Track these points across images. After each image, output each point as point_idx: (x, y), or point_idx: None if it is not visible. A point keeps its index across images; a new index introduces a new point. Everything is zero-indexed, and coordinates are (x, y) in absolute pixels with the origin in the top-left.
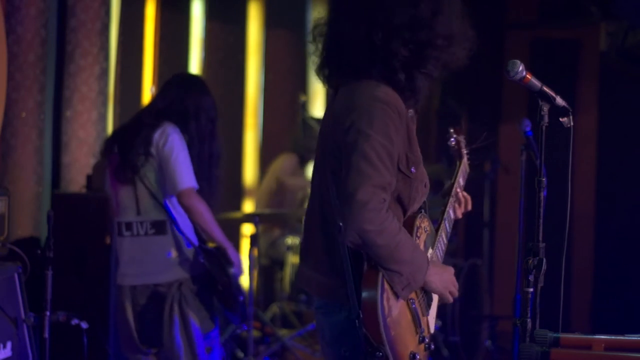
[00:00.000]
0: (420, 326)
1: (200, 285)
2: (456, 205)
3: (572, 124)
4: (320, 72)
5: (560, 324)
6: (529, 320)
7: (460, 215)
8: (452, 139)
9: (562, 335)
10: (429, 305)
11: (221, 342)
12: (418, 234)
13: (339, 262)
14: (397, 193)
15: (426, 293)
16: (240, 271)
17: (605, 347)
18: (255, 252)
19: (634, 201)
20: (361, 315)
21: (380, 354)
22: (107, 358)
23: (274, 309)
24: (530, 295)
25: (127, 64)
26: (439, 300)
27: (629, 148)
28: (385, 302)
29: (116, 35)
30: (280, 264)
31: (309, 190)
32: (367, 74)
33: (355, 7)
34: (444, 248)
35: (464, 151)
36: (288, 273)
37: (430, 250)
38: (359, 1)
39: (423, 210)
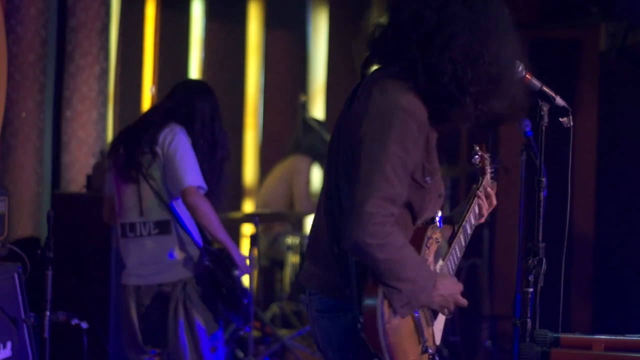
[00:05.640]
0: (423, 336)
1: (205, 285)
2: (479, 208)
3: (572, 124)
4: (372, 44)
5: (560, 324)
6: (529, 320)
7: (485, 214)
8: (477, 156)
9: (562, 335)
10: (435, 316)
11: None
12: (428, 244)
13: (347, 262)
14: (407, 200)
15: None
16: (245, 271)
17: (605, 347)
18: (255, 252)
19: (634, 201)
20: (362, 320)
21: None
22: (107, 358)
23: (274, 309)
24: (530, 295)
25: (127, 64)
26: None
27: (629, 148)
28: (385, 309)
29: (116, 35)
30: (280, 264)
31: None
32: (428, 76)
33: (478, 22)
34: (456, 261)
35: (488, 169)
36: (288, 273)
37: (440, 262)
38: (481, 19)
39: (439, 221)
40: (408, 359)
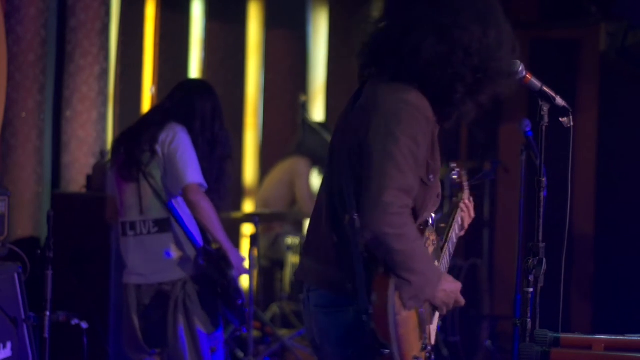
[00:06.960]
0: (425, 332)
1: (205, 285)
2: (462, 219)
3: (572, 124)
4: (361, 59)
5: (560, 324)
6: (529, 320)
7: (466, 226)
8: (455, 172)
9: (562, 335)
10: (433, 314)
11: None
12: (427, 245)
13: (349, 256)
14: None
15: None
16: (241, 272)
17: (605, 347)
18: (255, 252)
19: (634, 201)
20: (370, 310)
21: (387, 351)
22: (107, 358)
23: (274, 309)
24: (530, 295)
25: (127, 64)
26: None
27: (629, 148)
28: (397, 300)
29: (116, 35)
30: (280, 264)
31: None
32: (418, 82)
33: (438, 20)
34: (447, 265)
35: (466, 185)
36: (288, 273)
37: (436, 263)
38: (442, 16)
39: (431, 223)
40: (412, 352)
